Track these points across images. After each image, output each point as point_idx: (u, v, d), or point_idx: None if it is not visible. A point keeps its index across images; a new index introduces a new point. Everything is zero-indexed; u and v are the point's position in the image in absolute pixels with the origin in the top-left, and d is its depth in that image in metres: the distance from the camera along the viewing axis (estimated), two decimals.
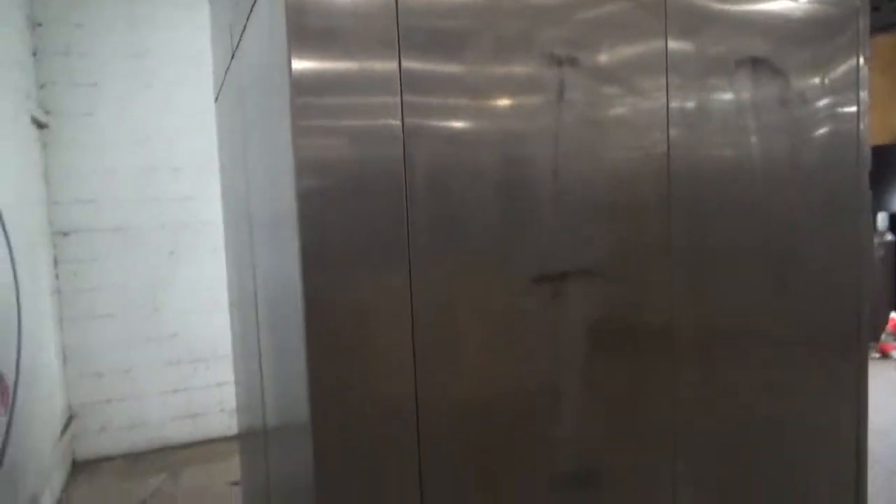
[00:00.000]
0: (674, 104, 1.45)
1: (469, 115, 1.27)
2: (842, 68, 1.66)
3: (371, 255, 1.20)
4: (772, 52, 1.56)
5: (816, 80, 1.63)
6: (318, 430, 1.18)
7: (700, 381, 1.52)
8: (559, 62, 1.34)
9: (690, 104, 1.47)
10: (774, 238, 1.59)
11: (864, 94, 1.70)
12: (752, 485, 1.62)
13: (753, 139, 1.56)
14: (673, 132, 1.45)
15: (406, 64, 1.19)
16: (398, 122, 1.19)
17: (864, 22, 1.68)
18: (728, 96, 1.52)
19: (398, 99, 1.19)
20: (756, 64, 1.55)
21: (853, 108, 1.68)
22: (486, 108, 1.28)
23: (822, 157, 1.65)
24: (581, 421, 1.40)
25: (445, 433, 1.28)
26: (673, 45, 1.45)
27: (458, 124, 1.26)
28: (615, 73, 1.40)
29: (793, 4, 1.58)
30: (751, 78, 1.54)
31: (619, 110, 1.41)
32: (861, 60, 1.69)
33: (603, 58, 1.38)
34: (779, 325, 1.62)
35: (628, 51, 1.42)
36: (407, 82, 1.19)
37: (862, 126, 1.71)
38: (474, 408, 1.32)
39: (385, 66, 1.17)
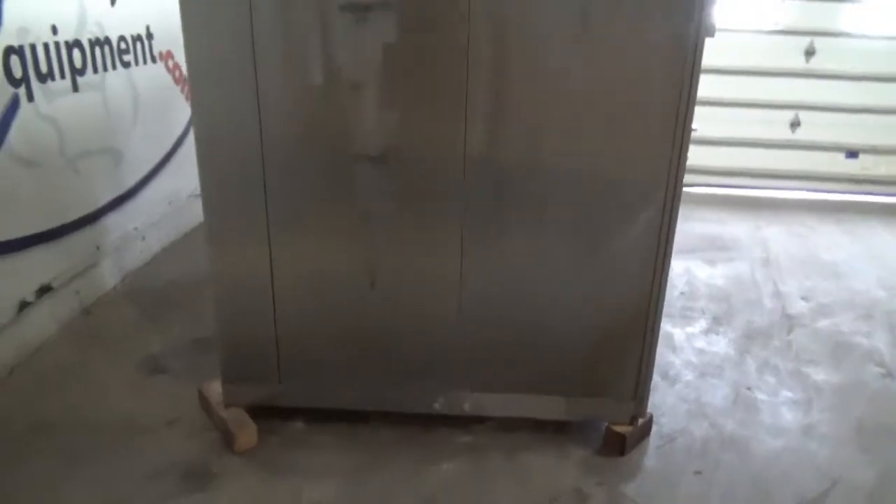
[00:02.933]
0: None
1: None
2: None
3: None
4: None
5: None
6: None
7: (494, 94, 1.92)
8: None
9: None
10: None
11: None
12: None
13: None
14: None
15: None
16: None
17: None
18: None
19: None
20: None
21: None
22: None
23: None
24: (380, 112, 1.95)
25: (281, 130, 1.95)
26: None
27: None
28: None
29: None
30: None
31: None
32: None
33: None
34: (583, 64, 1.88)
35: None
36: None
37: None
38: (300, 102, 1.95)
39: None
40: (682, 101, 1.90)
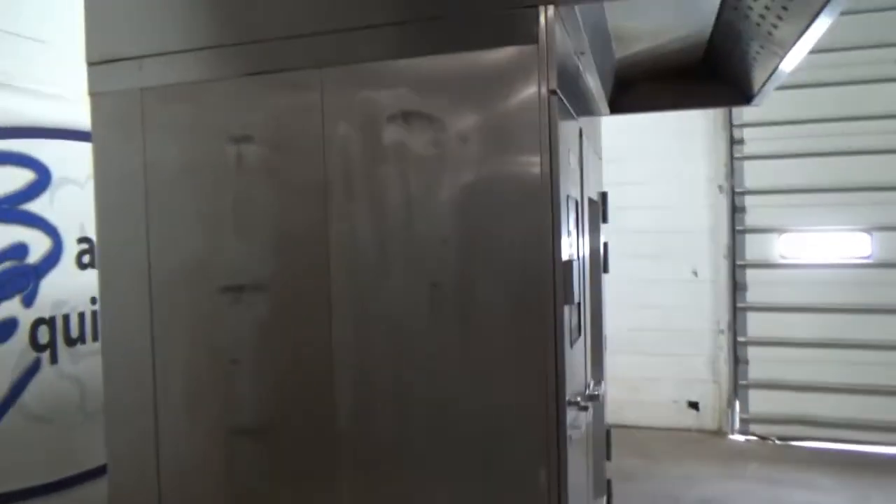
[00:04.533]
0: (330, 159, 1.87)
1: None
2: (514, 105, 1.72)
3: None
4: (424, 102, 1.79)
5: (478, 121, 1.75)
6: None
7: (359, 368, 1.86)
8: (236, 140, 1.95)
9: (346, 156, 1.86)
10: (425, 258, 1.79)
11: (551, 129, 1.70)
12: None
13: (406, 183, 1.81)
14: (330, 172, 1.87)
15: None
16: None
17: (550, 57, 1.70)
18: (381, 145, 1.83)
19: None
20: (408, 115, 1.80)
21: (533, 144, 1.71)
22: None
23: (484, 198, 1.75)
24: (254, 385, 1.96)
25: (171, 386, 2.04)
26: (330, 111, 1.87)
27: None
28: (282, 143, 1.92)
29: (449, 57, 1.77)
30: (404, 127, 1.81)
31: (284, 172, 1.92)
32: (543, 90, 1.69)
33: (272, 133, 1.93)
34: (431, 332, 1.80)
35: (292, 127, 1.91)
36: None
37: (548, 163, 1.71)
38: (187, 374, 2.04)
39: None
40: (550, 370, 1.72)
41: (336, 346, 1.88)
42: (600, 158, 3.23)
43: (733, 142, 4.94)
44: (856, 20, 4.71)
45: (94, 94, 2.12)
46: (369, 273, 1.86)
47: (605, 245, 3.20)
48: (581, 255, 2.15)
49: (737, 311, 4.91)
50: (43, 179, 3.03)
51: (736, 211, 4.93)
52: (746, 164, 4.92)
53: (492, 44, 1.75)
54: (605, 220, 3.20)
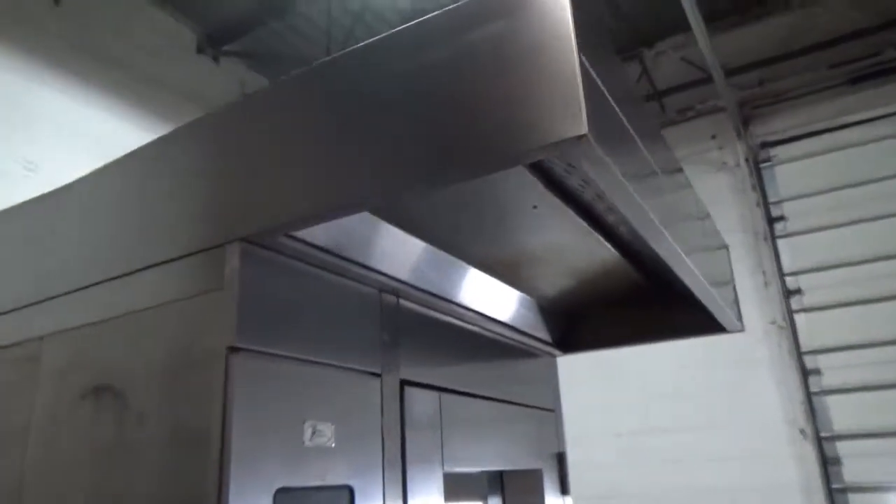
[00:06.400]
0: (29, 449, 1.50)
1: None
2: (194, 372, 1.30)
3: None
4: (114, 373, 1.42)
5: (160, 393, 1.34)
6: None
7: None
8: None
9: (46, 447, 1.49)
10: None
11: (226, 401, 1.24)
12: None
13: (91, 482, 1.38)
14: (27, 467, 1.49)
15: None
16: None
17: (237, 305, 1.29)
18: (70, 432, 1.44)
19: None
20: (99, 391, 1.44)
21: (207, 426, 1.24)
22: None
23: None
24: None
25: None
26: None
27: None
28: None
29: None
30: (94, 406, 1.43)
31: None
32: (222, 347, 1.26)
33: None
34: None
35: None
36: None
37: (218, 450, 1.22)
38: None
39: None
40: None
41: None
42: (550, 410, 2.56)
43: (806, 372, 3.96)
44: None
45: None
46: None
47: None
48: None
49: None
50: None
51: (828, 462, 3.78)
52: (830, 399, 3.88)
53: (182, 293, 1.39)
54: (564, 491, 2.44)
